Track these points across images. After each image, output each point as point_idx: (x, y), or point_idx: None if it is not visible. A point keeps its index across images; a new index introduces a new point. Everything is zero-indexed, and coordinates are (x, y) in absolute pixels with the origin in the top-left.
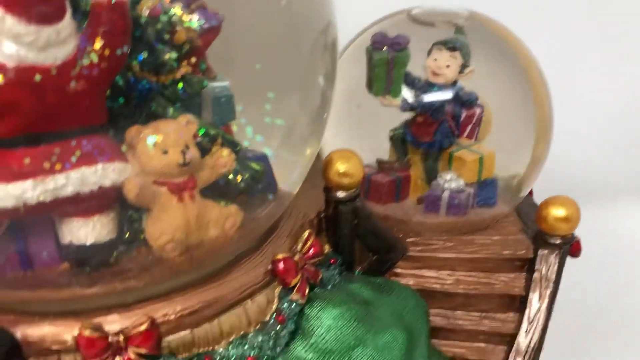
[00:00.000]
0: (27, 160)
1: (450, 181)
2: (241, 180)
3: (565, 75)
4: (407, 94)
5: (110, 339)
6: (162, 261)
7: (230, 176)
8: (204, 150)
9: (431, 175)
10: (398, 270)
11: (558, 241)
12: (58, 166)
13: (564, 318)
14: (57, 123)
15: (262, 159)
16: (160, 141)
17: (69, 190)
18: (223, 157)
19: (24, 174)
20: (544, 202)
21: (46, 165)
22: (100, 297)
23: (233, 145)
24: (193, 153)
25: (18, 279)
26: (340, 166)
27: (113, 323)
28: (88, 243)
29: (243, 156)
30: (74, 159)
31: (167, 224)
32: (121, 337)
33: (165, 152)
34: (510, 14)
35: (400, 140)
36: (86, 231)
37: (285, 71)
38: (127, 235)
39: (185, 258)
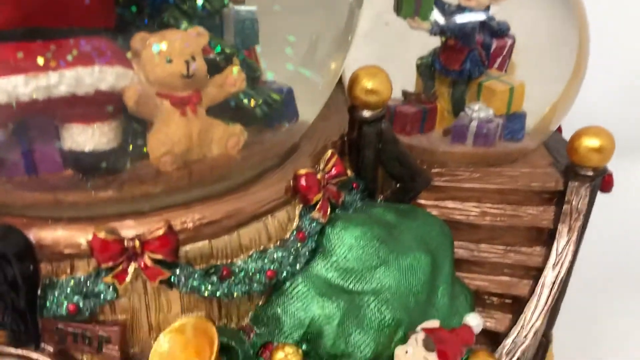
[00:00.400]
0: (20, 55)
1: (478, 111)
2: (255, 106)
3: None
4: (437, 15)
5: (125, 243)
6: (164, 173)
7: (245, 100)
8: (216, 68)
9: (458, 107)
10: (421, 202)
11: (590, 173)
12: (52, 63)
13: (589, 260)
14: (55, 19)
15: (286, 92)
16: (165, 49)
17: (62, 90)
18: (232, 75)
19: (16, 68)
20: (576, 133)
21: (40, 61)
22: (115, 202)
23: (252, 70)
24: (199, 66)
25: (29, 181)
26: (367, 83)
27: (129, 228)
28: (87, 150)
29: (268, 86)
30: (69, 58)
31: (166, 137)
32: (137, 242)
33: (170, 62)
34: None
35: (428, 69)
36: (85, 138)
37: None
38: (130, 146)
39: (184, 172)
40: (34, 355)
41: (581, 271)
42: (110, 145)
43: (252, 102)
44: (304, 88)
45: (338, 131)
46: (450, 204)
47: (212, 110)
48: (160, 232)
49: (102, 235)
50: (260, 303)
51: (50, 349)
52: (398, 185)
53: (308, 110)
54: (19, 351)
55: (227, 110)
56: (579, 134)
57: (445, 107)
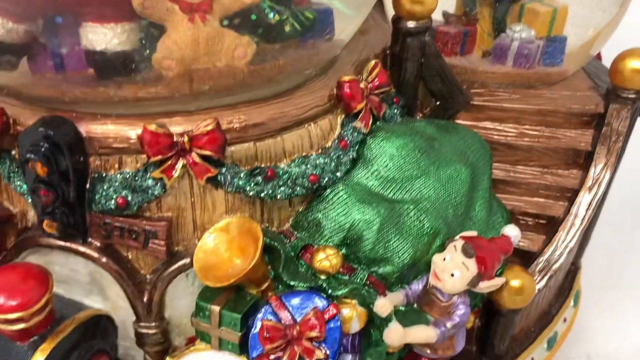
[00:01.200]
0: None
1: (520, 31)
2: (281, 21)
3: None
4: None
5: (174, 138)
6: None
7: (270, 15)
8: None
9: (499, 27)
10: (459, 121)
11: (632, 95)
12: None
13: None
14: None
15: (324, 12)
16: None
17: None
18: None
19: None
20: (620, 55)
21: None
22: (162, 101)
23: None
24: None
25: (77, 76)
26: None
27: (177, 125)
28: (98, 49)
29: (307, 5)
30: None
31: (171, 41)
32: (186, 138)
33: None
34: None
35: None
36: (97, 37)
37: None
38: (146, 50)
39: (185, 78)
40: (81, 248)
41: (611, 203)
42: (122, 47)
43: (276, 17)
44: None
45: (380, 44)
46: (488, 124)
47: (233, 21)
48: (209, 127)
49: (152, 128)
50: (300, 209)
51: (97, 243)
52: (438, 103)
53: (350, 22)
54: (67, 244)
55: (249, 22)
56: (623, 56)
57: (485, 29)
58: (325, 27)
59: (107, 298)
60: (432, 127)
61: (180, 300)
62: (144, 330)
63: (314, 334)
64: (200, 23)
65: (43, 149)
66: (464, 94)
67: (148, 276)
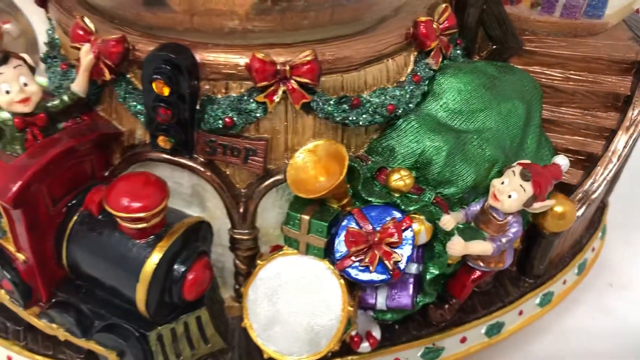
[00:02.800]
0: None
1: None
2: None
3: None
4: None
5: (278, 67)
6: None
7: None
8: None
9: None
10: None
11: None
12: None
13: None
14: None
15: None
16: None
17: None
18: None
19: None
20: None
21: None
22: (265, 33)
23: None
24: None
25: (190, 7)
26: None
27: (278, 55)
28: None
29: None
30: None
31: None
32: (287, 67)
33: None
34: None
35: None
36: None
37: None
38: None
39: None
40: (188, 162)
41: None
42: None
43: None
44: None
45: None
46: (537, 68)
47: None
48: (308, 58)
49: (260, 56)
50: (374, 137)
51: (201, 159)
52: (494, 47)
53: None
54: (176, 158)
55: None
56: None
57: None
58: None
59: (205, 209)
60: (492, 67)
61: (269, 212)
62: (238, 236)
63: (392, 239)
64: None
65: (167, 71)
66: (518, 40)
67: (242, 190)
